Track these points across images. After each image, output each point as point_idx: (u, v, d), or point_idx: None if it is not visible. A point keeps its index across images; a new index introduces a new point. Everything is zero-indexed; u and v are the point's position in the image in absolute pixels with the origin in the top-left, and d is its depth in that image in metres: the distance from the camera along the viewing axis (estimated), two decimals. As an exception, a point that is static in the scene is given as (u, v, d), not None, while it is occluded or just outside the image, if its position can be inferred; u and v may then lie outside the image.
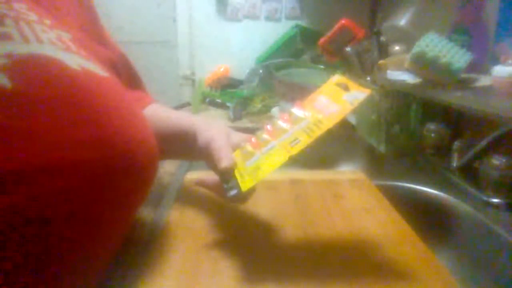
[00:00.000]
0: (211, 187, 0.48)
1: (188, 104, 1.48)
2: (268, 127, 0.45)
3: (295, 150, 0.40)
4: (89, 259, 0.33)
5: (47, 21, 0.36)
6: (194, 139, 0.49)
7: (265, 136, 0.44)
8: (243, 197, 0.45)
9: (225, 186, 0.43)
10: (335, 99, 0.42)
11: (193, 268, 0.41)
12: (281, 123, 0.44)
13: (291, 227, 0.50)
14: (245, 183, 0.41)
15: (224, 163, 0.43)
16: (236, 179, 0.42)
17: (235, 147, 0.46)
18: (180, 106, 1.46)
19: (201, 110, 1.36)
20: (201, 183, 0.49)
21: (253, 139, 0.45)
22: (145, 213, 0.55)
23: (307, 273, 0.40)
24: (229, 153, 0.44)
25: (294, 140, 0.41)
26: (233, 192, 0.42)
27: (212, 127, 0.49)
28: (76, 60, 0.33)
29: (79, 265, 0.32)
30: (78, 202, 0.29)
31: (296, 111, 0.44)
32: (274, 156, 0.41)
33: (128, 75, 0.54)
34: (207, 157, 0.47)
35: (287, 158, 0.40)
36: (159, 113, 0.54)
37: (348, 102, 0.40)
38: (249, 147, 0.45)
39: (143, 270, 0.41)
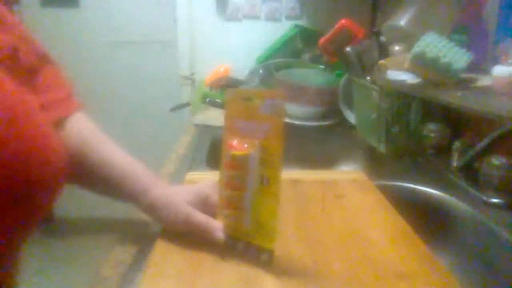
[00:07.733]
0: None
1: (188, 104, 1.48)
2: (232, 182, 0.44)
3: (275, 189, 0.40)
4: None
5: None
6: (145, 194, 0.48)
7: (235, 193, 0.43)
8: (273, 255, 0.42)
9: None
10: (254, 117, 0.40)
11: (193, 268, 0.41)
12: (234, 172, 0.43)
13: (291, 227, 0.50)
14: (266, 242, 0.41)
15: (219, 236, 0.44)
16: (252, 244, 0.42)
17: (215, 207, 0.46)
18: (180, 106, 1.46)
19: (201, 110, 1.35)
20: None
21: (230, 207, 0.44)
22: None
23: (307, 273, 0.40)
24: (214, 225, 0.44)
25: (262, 179, 0.40)
26: (265, 257, 0.41)
27: (178, 196, 0.47)
28: None
29: None
30: None
31: (234, 151, 0.42)
32: (263, 205, 0.41)
33: (33, 56, 0.47)
34: (186, 228, 0.46)
35: (278, 200, 0.40)
36: (97, 148, 0.50)
37: (273, 115, 0.39)
38: (232, 211, 0.44)
39: (143, 270, 0.41)
